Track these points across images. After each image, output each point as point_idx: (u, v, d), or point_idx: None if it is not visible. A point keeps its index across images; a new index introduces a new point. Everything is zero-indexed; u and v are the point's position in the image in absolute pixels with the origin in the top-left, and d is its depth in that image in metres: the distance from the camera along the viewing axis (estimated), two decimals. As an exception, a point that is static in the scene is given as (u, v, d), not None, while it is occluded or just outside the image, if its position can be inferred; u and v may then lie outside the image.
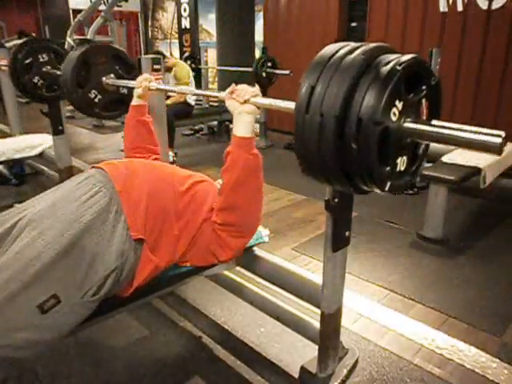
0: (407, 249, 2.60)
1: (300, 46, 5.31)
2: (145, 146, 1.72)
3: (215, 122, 5.63)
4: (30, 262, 1.03)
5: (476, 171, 2.58)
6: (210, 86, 6.95)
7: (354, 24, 5.14)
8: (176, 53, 10.73)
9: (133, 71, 2.12)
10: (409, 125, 0.84)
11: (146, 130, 1.72)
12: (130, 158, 1.70)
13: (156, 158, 1.74)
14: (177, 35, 10.57)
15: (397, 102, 0.81)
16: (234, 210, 1.29)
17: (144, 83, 1.70)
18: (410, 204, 3.27)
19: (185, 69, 4.77)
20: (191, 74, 4.86)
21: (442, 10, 3.96)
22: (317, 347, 1.46)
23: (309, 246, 2.61)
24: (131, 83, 1.84)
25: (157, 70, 1.97)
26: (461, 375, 1.59)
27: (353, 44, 0.89)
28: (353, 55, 0.84)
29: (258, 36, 6.54)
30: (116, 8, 7.40)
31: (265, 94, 5.02)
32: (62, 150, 3.02)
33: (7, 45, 5.41)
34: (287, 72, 4.74)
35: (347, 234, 1.28)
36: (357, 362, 1.61)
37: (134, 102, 1.73)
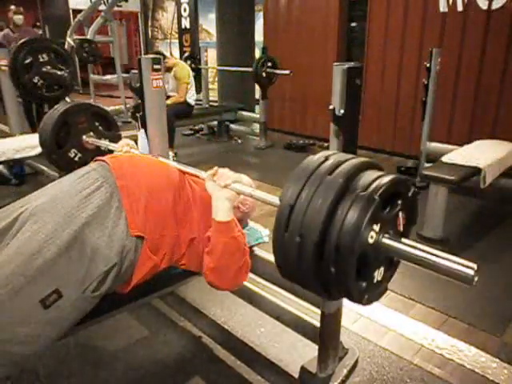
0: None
1: (300, 46, 5.32)
2: None
3: (215, 122, 5.63)
4: (32, 256, 1.03)
5: (476, 171, 2.59)
6: (210, 85, 6.94)
7: (353, 24, 5.14)
8: (176, 53, 10.74)
9: (113, 127, 2.11)
10: (385, 241, 0.85)
11: None
12: None
13: None
14: (177, 35, 10.57)
15: (374, 226, 0.83)
16: (216, 281, 1.30)
17: (125, 148, 1.67)
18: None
19: (185, 69, 4.77)
20: (191, 74, 4.86)
21: (442, 10, 3.96)
22: (317, 347, 1.46)
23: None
24: (112, 146, 1.82)
25: (157, 70, 1.97)
26: (461, 375, 1.59)
27: (334, 158, 0.89)
28: (332, 176, 0.84)
29: (258, 36, 6.54)
30: (116, 8, 7.40)
31: (265, 94, 5.02)
32: (62, 149, 3.02)
33: (7, 45, 5.40)
34: (287, 72, 4.74)
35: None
36: (357, 361, 1.61)
37: None
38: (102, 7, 7.02)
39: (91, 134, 2.01)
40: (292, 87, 5.40)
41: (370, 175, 0.86)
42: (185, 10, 9.89)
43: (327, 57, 4.95)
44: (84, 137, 1.99)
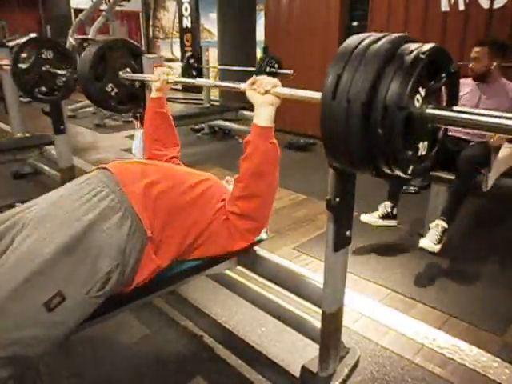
0: (408, 248, 2.60)
1: (301, 46, 5.32)
2: (164, 139, 1.76)
3: (216, 122, 5.63)
4: (34, 259, 1.03)
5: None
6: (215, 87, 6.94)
7: (354, 23, 5.14)
8: (177, 52, 10.74)
9: None
10: (431, 111, 0.88)
11: (165, 122, 1.76)
12: (148, 153, 1.75)
13: (174, 157, 1.79)
14: (178, 34, 10.57)
15: (420, 89, 0.85)
16: (253, 197, 1.32)
17: (162, 76, 1.71)
18: (411, 203, 3.26)
19: None
20: None
21: (443, 9, 3.95)
22: (318, 347, 1.46)
23: (310, 245, 2.61)
24: (149, 76, 1.86)
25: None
26: (462, 375, 1.59)
27: (376, 34, 0.92)
28: (378, 44, 0.87)
29: (259, 35, 6.53)
30: (117, 7, 7.39)
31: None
32: (63, 149, 3.03)
33: (9, 44, 5.43)
34: (290, 71, 4.74)
35: (348, 233, 1.28)
36: (358, 361, 1.61)
37: (153, 94, 1.74)
38: (104, 6, 7.02)
39: (127, 69, 2.05)
40: (293, 86, 5.40)
41: (413, 44, 0.88)
42: (186, 9, 9.90)
43: (328, 56, 4.94)
44: (121, 72, 2.03)
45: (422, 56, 0.83)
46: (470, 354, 1.69)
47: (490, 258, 2.48)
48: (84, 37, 6.71)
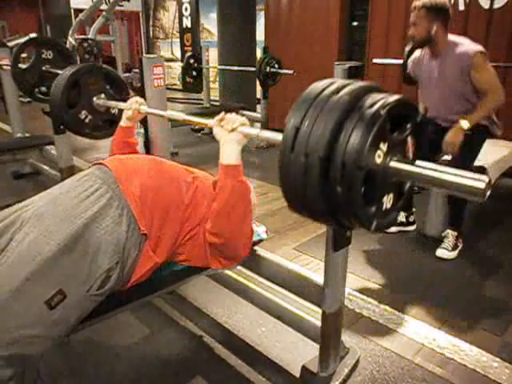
0: (409, 248, 2.60)
1: (301, 46, 5.31)
2: None
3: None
4: (34, 258, 1.03)
5: (480, 170, 2.58)
6: (212, 85, 6.94)
7: (355, 23, 5.14)
8: (177, 52, 10.75)
9: (123, 91, 2.09)
10: (394, 164, 0.84)
11: (133, 152, 1.69)
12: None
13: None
14: (178, 34, 10.58)
15: (381, 145, 0.81)
16: (222, 235, 1.30)
17: (134, 105, 1.67)
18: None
19: None
20: None
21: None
22: (318, 346, 1.46)
23: (310, 245, 2.61)
24: (121, 105, 1.81)
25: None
26: (462, 375, 1.59)
27: (339, 82, 0.88)
28: (338, 96, 0.84)
29: (259, 35, 6.54)
30: (117, 7, 7.40)
31: (266, 93, 5.02)
32: (63, 149, 3.02)
33: (9, 44, 5.42)
34: (291, 72, 4.73)
35: (348, 233, 1.28)
36: (358, 361, 1.61)
37: (123, 122, 1.70)
38: (104, 6, 7.03)
39: (102, 96, 2.01)
40: (293, 87, 5.39)
41: (376, 95, 0.85)
42: (186, 9, 9.91)
43: (328, 56, 4.94)
44: (95, 98, 1.99)
45: (382, 112, 0.79)
46: (470, 354, 1.69)
47: (489, 257, 2.48)
48: (84, 37, 6.72)
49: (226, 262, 1.39)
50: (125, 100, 1.79)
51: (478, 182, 0.74)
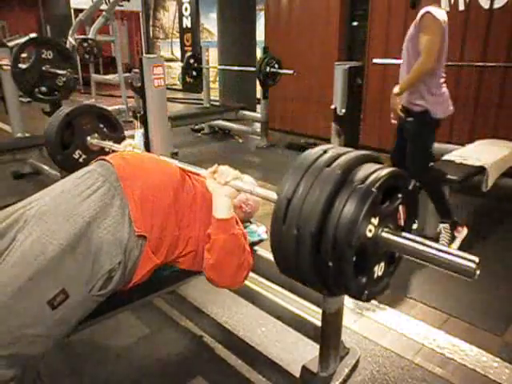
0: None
1: (301, 46, 5.31)
2: None
3: (216, 122, 5.63)
4: (37, 257, 1.04)
5: (480, 170, 2.58)
6: (212, 85, 6.94)
7: (355, 23, 5.14)
8: (177, 52, 10.74)
9: (118, 129, 2.10)
10: (385, 236, 0.84)
11: None
12: None
13: None
14: (178, 34, 10.57)
15: (372, 219, 0.81)
16: (218, 281, 1.32)
17: (128, 148, 1.68)
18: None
19: None
20: None
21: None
22: (318, 346, 1.46)
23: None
24: (116, 147, 1.82)
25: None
26: (462, 375, 1.59)
27: (332, 151, 0.88)
28: (330, 169, 0.83)
29: (259, 35, 6.54)
30: (117, 7, 7.39)
31: (266, 93, 5.02)
32: (63, 149, 3.02)
33: (9, 44, 5.42)
34: (291, 72, 4.73)
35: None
36: (358, 361, 1.61)
37: None
38: (104, 6, 7.02)
39: (96, 135, 2.01)
40: (293, 87, 5.40)
41: (368, 168, 0.84)
42: (186, 9, 9.90)
43: (328, 56, 4.95)
44: (88, 138, 1.99)
45: (373, 189, 0.79)
46: (470, 354, 1.69)
47: (489, 257, 2.48)
48: (84, 37, 6.72)
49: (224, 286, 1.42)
50: (119, 140, 1.79)
51: (469, 262, 0.74)
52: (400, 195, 0.88)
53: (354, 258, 0.80)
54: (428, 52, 2.16)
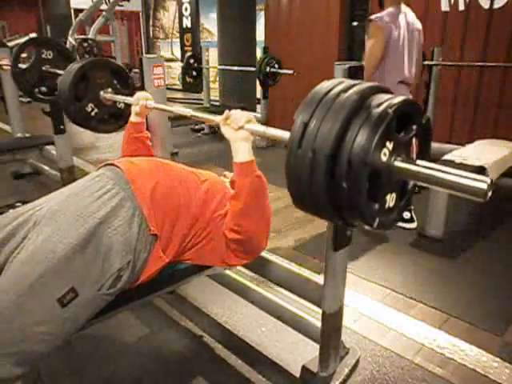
0: (409, 248, 2.60)
1: (301, 45, 5.32)
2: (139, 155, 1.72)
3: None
4: (48, 256, 1.05)
5: (480, 170, 2.58)
6: (212, 85, 6.95)
7: (355, 23, 5.14)
8: (177, 52, 10.74)
9: (130, 86, 2.09)
10: (398, 164, 0.86)
11: (144, 147, 1.72)
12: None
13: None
14: (178, 34, 10.58)
15: (387, 143, 0.83)
16: (245, 232, 1.31)
17: (141, 102, 1.68)
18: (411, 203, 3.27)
19: None
20: None
21: (443, 9, 3.96)
22: (318, 346, 1.46)
23: (310, 245, 2.61)
24: (128, 100, 1.82)
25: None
26: (462, 375, 1.59)
27: (347, 82, 0.90)
28: (346, 94, 0.85)
29: (259, 35, 6.54)
30: (117, 7, 7.40)
31: (265, 93, 5.02)
32: (63, 149, 3.02)
33: (9, 44, 5.42)
34: (291, 71, 4.73)
35: (348, 233, 1.29)
36: (358, 361, 1.61)
37: (132, 118, 1.71)
38: (104, 6, 7.03)
39: (109, 90, 2.02)
40: (293, 86, 5.40)
41: (383, 96, 0.87)
42: (186, 9, 9.91)
43: (328, 56, 4.95)
44: (101, 92, 2.00)
45: (389, 111, 0.81)
46: (471, 354, 1.69)
47: (489, 257, 2.48)
48: (84, 37, 6.73)
49: (245, 256, 1.38)
50: (132, 95, 1.80)
51: (480, 182, 0.75)
52: (414, 127, 0.90)
53: (368, 184, 0.82)
54: (368, 58, 2.24)
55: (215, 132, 5.83)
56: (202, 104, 6.11)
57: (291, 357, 1.67)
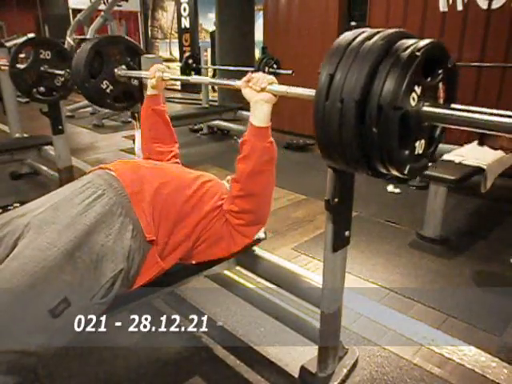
0: (407, 248, 2.60)
1: (300, 46, 5.32)
2: (162, 136, 1.74)
3: (215, 122, 5.62)
4: (38, 265, 1.02)
5: (478, 171, 2.58)
6: (210, 85, 6.94)
7: (353, 23, 5.14)
8: (176, 52, 10.73)
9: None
10: (427, 109, 0.85)
11: (162, 120, 1.73)
12: (148, 153, 1.73)
13: (176, 154, 1.80)
14: (177, 35, 10.56)
15: (416, 87, 0.82)
16: (251, 197, 1.30)
17: (157, 74, 1.66)
18: (409, 203, 3.27)
19: None
20: None
21: (441, 9, 3.96)
22: (317, 347, 1.46)
23: (309, 245, 2.61)
24: (144, 73, 1.84)
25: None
26: (461, 375, 1.59)
27: (370, 30, 0.89)
28: (371, 41, 0.84)
29: (258, 35, 6.54)
30: (116, 7, 7.38)
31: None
32: (61, 149, 3.02)
33: (7, 44, 5.41)
34: (288, 72, 4.73)
35: (347, 233, 1.28)
36: (357, 361, 1.61)
37: (149, 91, 1.71)
38: (102, 7, 7.01)
39: (123, 67, 2.04)
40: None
41: (408, 40, 0.85)
42: (185, 9, 9.89)
43: (327, 56, 4.95)
44: (116, 69, 2.02)
45: (418, 53, 0.80)
46: (469, 354, 1.69)
47: (489, 257, 2.48)
48: (82, 37, 6.70)
49: (250, 229, 1.38)
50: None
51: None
52: (440, 72, 0.89)
53: (397, 129, 0.81)
54: None
55: (214, 132, 5.83)
56: (200, 104, 6.10)
57: (290, 357, 1.67)
